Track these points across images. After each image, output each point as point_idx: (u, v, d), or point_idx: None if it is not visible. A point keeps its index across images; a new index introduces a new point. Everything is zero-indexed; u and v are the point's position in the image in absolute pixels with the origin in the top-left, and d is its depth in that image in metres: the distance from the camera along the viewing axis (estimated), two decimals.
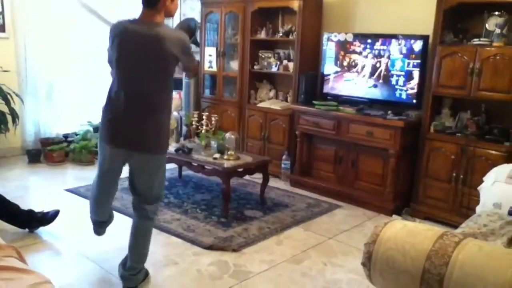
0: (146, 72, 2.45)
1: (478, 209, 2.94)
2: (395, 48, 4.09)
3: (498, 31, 3.52)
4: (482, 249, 1.65)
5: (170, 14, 2.58)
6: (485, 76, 3.52)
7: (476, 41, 3.62)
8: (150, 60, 2.43)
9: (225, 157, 3.91)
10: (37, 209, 3.35)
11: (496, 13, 3.55)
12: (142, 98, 2.46)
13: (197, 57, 5.78)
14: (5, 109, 4.60)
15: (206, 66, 5.62)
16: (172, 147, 4.16)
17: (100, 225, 2.90)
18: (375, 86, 4.27)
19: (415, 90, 4.01)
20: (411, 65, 4.02)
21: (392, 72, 4.14)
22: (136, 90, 2.46)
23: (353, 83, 4.42)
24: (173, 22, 6.18)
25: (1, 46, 4.99)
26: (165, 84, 2.52)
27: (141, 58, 2.43)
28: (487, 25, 3.61)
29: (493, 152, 3.53)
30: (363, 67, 4.33)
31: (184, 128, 5.51)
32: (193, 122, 4.38)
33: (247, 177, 4.28)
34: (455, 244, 1.67)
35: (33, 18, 5.08)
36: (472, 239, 1.75)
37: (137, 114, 2.46)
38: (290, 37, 4.88)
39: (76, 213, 3.76)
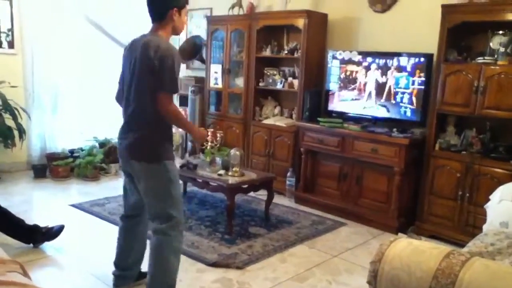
0: (133, 83, 2.43)
1: (485, 227, 2.91)
2: (400, 66, 4.12)
3: (502, 49, 3.53)
4: (489, 269, 1.63)
5: (177, 31, 2.54)
6: (490, 94, 3.53)
7: (480, 59, 3.64)
8: (136, 70, 2.41)
9: (230, 173, 3.91)
10: (41, 224, 3.35)
11: (500, 32, 3.58)
12: (130, 109, 2.47)
13: (203, 74, 5.84)
14: (12, 124, 4.64)
15: (212, 83, 5.67)
16: (177, 163, 4.15)
17: (120, 274, 2.77)
18: (379, 103, 4.28)
19: (420, 108, 4.02)
20: (415, 83, 4.03)
21: (397, 90, 4.15)
22: (127, 102, 2.50)
23: (358, 101, 4.44)
24: (180, 39, 6.25)
25: (10, 62, 5.06)
26: (150, 95, 2.39)
27: (131, 70, 2.44)
28: (491, 44, 3.63)
29: (499, 170, 3.51)
30: (367, 84, 4.35)
31: (189, 144, 5.53)
32: None
33: (251, 193, 4.27)
34: (462, 263, 1.65)
35: (40, 34, 5.16)
36: (479, 258, 1.74)
37: (125, 124, 2.53)
38: (295, 55, 4.92)
39: (81, 229, 3.77)
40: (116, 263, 2.78)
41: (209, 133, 2.78)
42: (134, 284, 2.83)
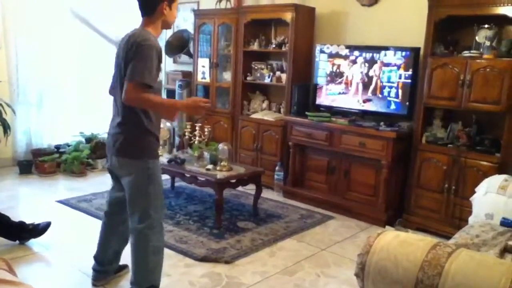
0: (119, 77, 2.42)
1: (471, 219, 2.95)
2: (387, 60, 4.13)
3: (488, 43, 3.57)
4: (475, 259, 1.65)
5: (168, 25, 2.51)
6: (476, 88, 3.56)
7: (466, 53, 3.67)
8: (120, 63, 2.39)
9: (218, 168, 3.90)
10: (28, 220, 3.31)
11: (486, 26, 3.61)
12: (117, 103, 2.47)
13: (190, 69, 5.81)
14: None
15: (199, 77, 5.64)
16: (164, 158, 4.15)
17: (99, 269, 2.79)
18: (367, 97, 4.29)
19: (407, 102, 4.04)
20: (402, 76, 4.05)
21: (384, 84, 4.17)
22: (115, 97, 2.49)
23: (345, 95, 4.45)
24: (167, 33, 6.20)
25: None
26: None
27: (117, 64, 2.44)
28: (477, 38, 3.66)
29: (485, 163, 3.55)
30: (355, 78, 4.36)
31: (177, 139, 5.50)
32: (186, 133, 4.38)
33: (240, 188, 4.27)
34: (448, 254, 1.67)
35: (25, 28, 5.08)
36: (465, 249, 1.76)
37: (113, 119, 2.51)
38: (283, 49, 4.91)
39: (68, 225, 3.73)
40: (96, 258, 2.80)
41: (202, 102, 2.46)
42: (113, 277, 2.86)
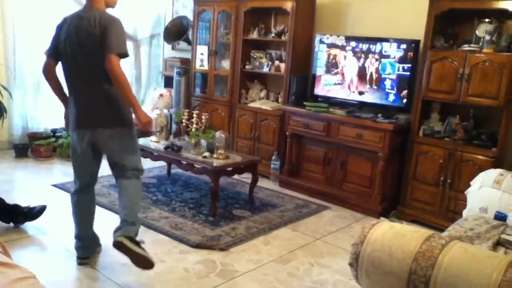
0: (85, 59, 2.57)
1: (465, 213, 2.97)
2: (386, 52, 4.12)
3: (487, 37, 3.56)
4: (468, 252, 1.67)
5: (111, 3, 2.68)
6: (474, 82, 3.56)
7: (466, 47, 3.66)
8: (85, 47, 2.54)
9: (215, 156, 3.90)
10: (23, 204, 3.31)
11: (486, 20, 3.60)
12: (87, 84, 2.64)
13: (188, 56, 5.78)
14: None
15: (198, 65, 5.61)
16: (161, 145, 4.15)
17: (84, 245, 2.87)
18: (365, 89, 4.29)
19: (405, 94, 4.04)
20: (401, 69, 4.05)
21: (383, 76, 4.16)
22: (82, 78, 2.65)
23: (344, 85, 4.44)
24: (166, 20, 6.16)
25: None
26: (100, 70, 2.52)
27: (77, 44, 2.57)
28: (477, 32, 3.65)
29: (481, 157, 3.57)
30: (354, 69, 4.35)
31: (174, 126, 5.49)
32: (183, 120, 4.36)
33: (236, 176, 4.27)
34: (442, 246, 1.68)
35: (23, 11, 5.03)
36: (458, 242, 1.77)
37: (84, 94, 2.67)
38: (283, 38, 4.88)
39: (63, 209, 3.72)
40: (79, 236, 2.87)
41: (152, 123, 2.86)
42: (97, 253, 2.98)
